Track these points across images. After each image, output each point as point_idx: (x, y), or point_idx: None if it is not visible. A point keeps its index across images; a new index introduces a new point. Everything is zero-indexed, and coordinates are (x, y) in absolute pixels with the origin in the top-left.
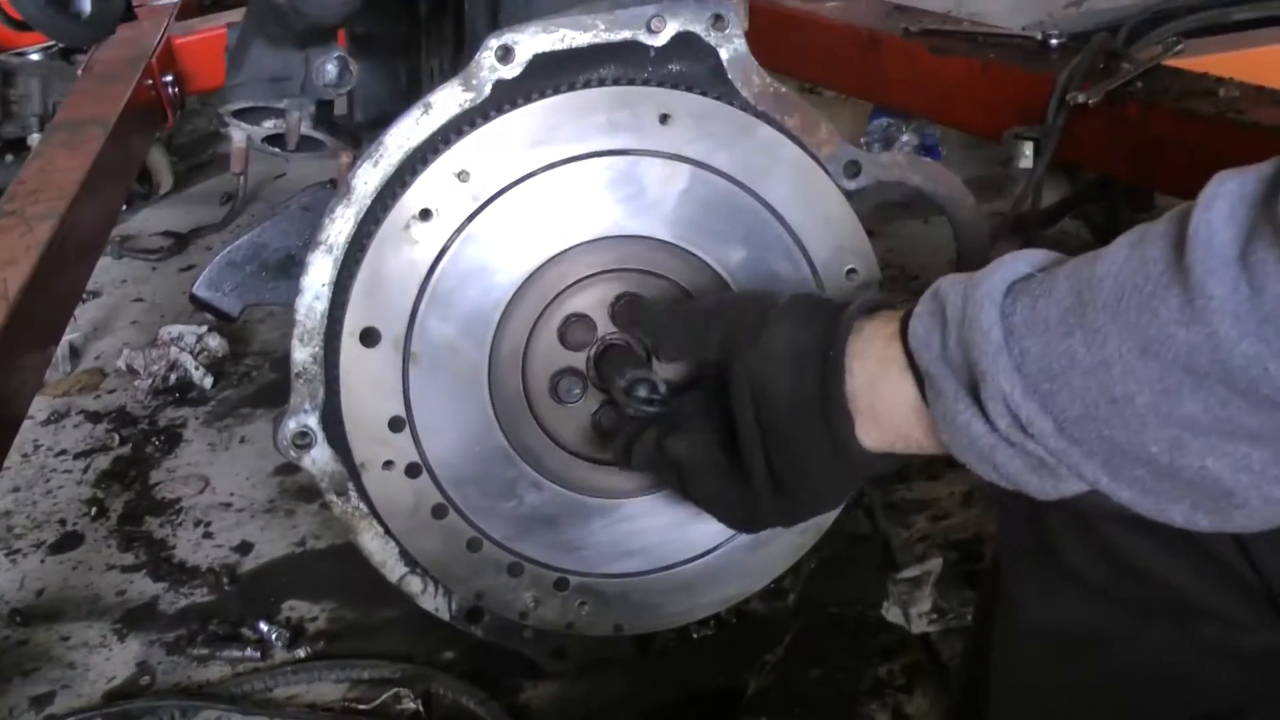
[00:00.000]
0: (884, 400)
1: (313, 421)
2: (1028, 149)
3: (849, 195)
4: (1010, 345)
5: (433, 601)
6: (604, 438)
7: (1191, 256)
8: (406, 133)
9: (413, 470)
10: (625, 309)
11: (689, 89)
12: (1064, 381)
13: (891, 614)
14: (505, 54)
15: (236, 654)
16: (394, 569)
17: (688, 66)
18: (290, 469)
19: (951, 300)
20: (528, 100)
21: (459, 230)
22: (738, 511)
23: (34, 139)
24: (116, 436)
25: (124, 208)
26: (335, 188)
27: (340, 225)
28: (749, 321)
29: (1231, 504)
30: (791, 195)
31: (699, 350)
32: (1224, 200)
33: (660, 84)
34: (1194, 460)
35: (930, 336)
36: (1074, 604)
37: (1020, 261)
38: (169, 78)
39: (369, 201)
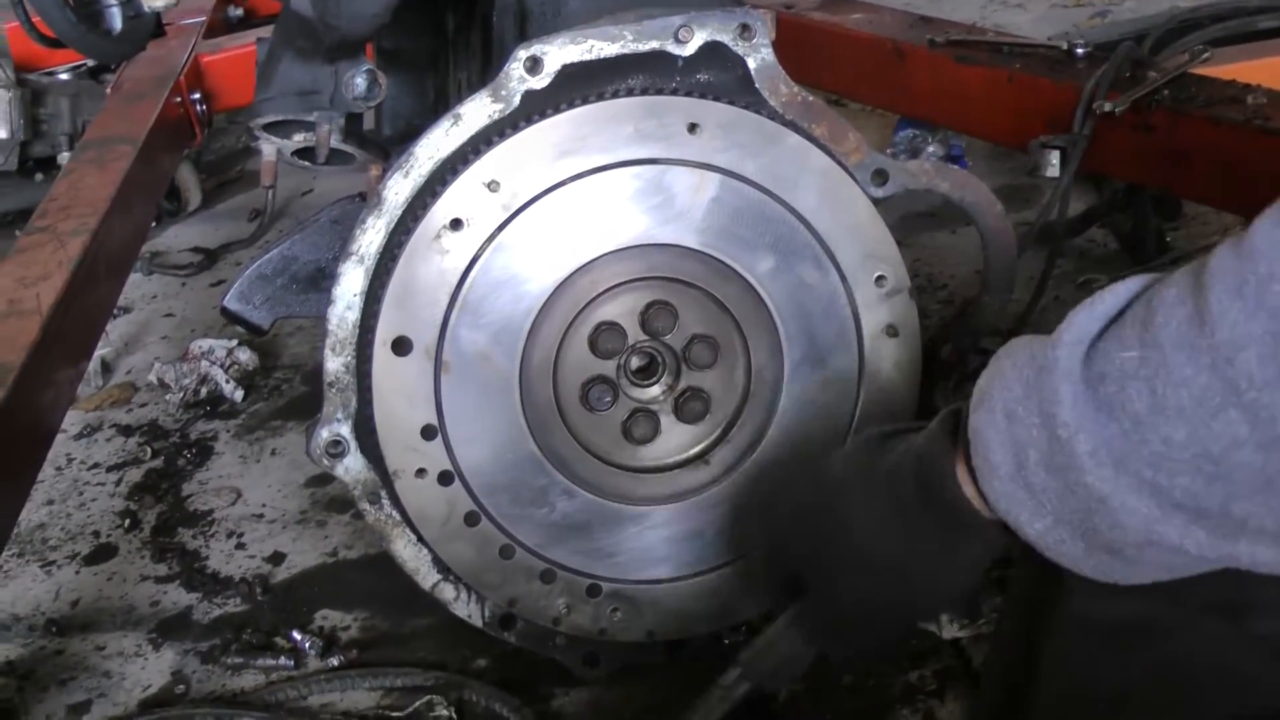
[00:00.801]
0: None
1: (345, 430)
2: (1054, 158)
3: (877, 203)
4: (1128, 451)
5: (465, 609)
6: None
7: None
8: (436, 144)
9: (445, 478)
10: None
11: (717, 98)
12: (1228, 466)
13: None
14: (534, 65)
15: (270, 663)
16: (427, 576)
17: (715, 76)
18: (321, 480)
19: (1023, 419)
20: (556, 110)
21: (489, 240)
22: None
23: (64, 157)
24: (149, 449)
25: (153, 224)
26: (364, 201)
27: (371, 235)
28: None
29: None
30: (820, 203)
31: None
32: None
33: (688, 93)
34: None
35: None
36: (1125, 594)
37: (1069, 356)
38: (197, 95)
39: (400, 212)
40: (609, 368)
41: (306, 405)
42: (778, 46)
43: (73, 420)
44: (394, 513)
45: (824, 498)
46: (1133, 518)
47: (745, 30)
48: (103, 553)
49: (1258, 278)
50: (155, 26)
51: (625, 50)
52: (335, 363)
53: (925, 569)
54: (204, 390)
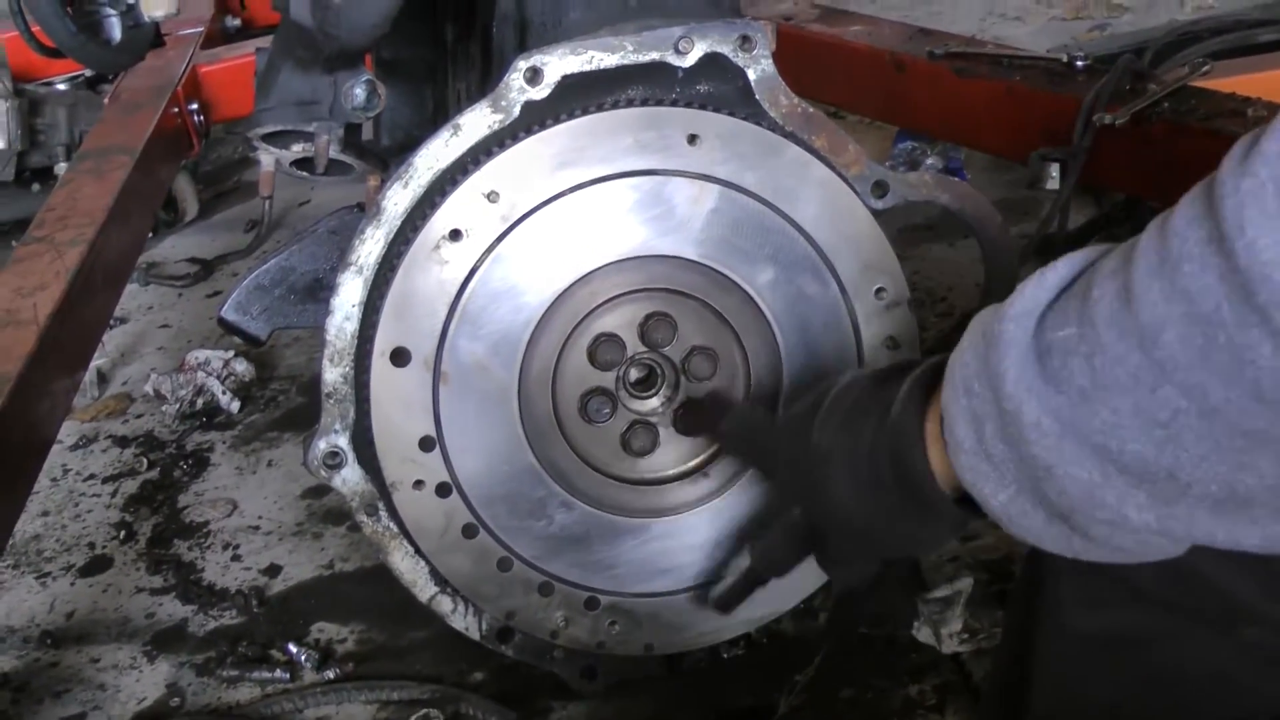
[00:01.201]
0: None
1: (343, 441)
2: (1054, 170)
3: (877, 215)
4: (1077, 419)
5: (463, 621)
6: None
7: (1267, 297)
8: (436, 154)
9: (443, 490)
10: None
11: (717, 109)
12: (1176, 430)
13: (922, 634)
14: (534, 75)
15: (266, 675)
16: (424, 588)
17: (715, 87)
18: (318, 492)
19: (979, 394)
20: (556, 121)
21: (488, 250)
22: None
23: (61, 168)
24: (145, 461)
25: (150, 235)
26: (362, 211)
27: (370, 246)
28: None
29: None
30: (820, 215)
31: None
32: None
33: (688, 105)
34: None
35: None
36: (1114, 604)
37: (1017, 327)
38: (194, 106)
39: (399, 222)
40: (608, 379)
41: (303, 416)
42: (777, 58)
43: (69, 431)
44: (391, 525)
45: (810, 462)
46: (1075, 485)
47: (745, 42)
48: (98, 564)
49: (1171, 258)
50: (154, 36)
51: (625, 61)
52: (333, 373)
53: (899, 535)
54: (200, 401)
